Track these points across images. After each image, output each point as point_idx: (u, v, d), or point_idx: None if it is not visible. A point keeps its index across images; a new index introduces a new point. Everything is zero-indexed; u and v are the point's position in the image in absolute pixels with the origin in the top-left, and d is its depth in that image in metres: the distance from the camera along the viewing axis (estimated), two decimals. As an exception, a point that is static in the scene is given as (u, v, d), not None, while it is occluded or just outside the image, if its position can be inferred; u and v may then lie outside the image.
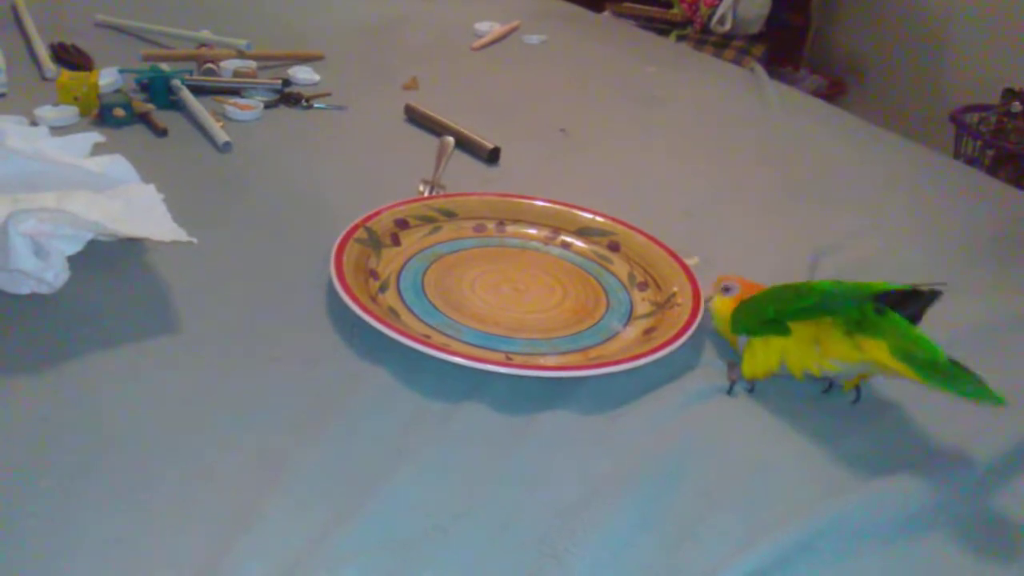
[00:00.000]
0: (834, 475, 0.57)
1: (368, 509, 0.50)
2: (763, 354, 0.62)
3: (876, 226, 0.91)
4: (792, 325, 0.61)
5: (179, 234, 0.67)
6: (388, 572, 0.47)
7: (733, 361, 0.65)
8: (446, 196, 0.84)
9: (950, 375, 0.53)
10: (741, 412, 0.62)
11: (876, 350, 0.56)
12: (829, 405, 0.63)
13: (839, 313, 0.58)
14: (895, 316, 0.56)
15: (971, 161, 2.00)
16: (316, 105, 1.07)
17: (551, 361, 0.65)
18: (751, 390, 0.63)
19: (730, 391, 0.63)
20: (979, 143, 2.04)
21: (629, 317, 0.72)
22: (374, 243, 0.75)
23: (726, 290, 0.67)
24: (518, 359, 0.64)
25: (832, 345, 0.59)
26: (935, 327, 0.73)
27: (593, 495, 0.53)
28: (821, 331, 0.59)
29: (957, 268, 0.85)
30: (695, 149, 1.08)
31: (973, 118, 2.08)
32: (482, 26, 1.43)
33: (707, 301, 0.69)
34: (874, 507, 0.53)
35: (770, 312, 0.61)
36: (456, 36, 1.39)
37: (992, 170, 1.92)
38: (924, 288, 0.58)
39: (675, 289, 0.73)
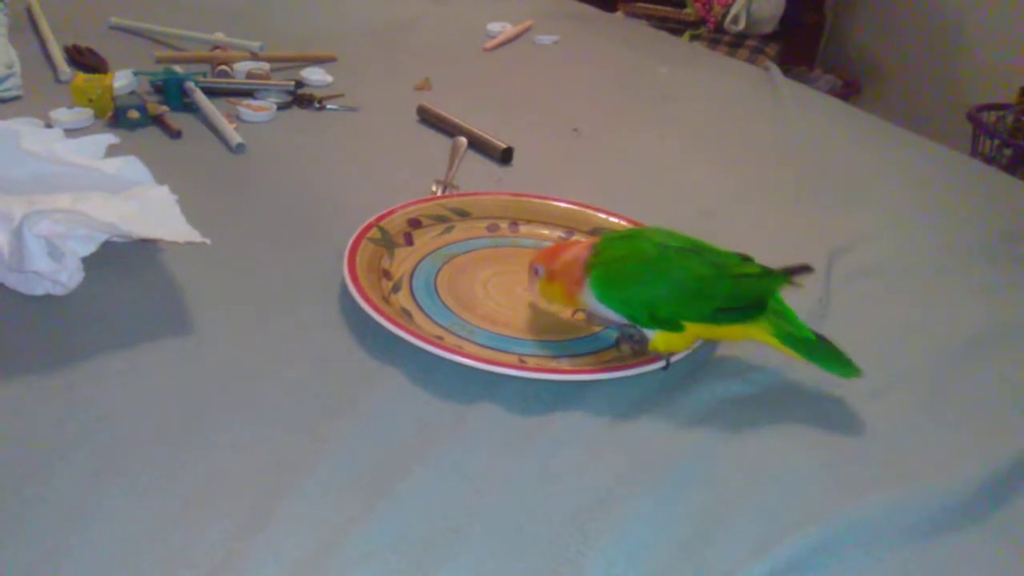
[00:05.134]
0: (852, 477, 0.56)
1: (382, 510, 0.50)
2: (678, 341, 0.62)
3: (892, 225, 0.91)
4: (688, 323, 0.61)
5: (193, 235, 0.67)
6: (402, 573, 0.47)
7: (626, 337, 0.66)
8: (459, 195, 0.84)
9: (819, 354, 0.60)
10: (756, 413, 0.61)
11: (761, 333, 0.61)
12: (847, 406, 0.62)
13: (744, 321, 0.61)
14: (779, 303, 0.62)
15: (988, 160, 1.98)
16: (329, 106, 1.07)
17: (565, 364, 0.64)
18: (666, 367, 0.63)
19: (666, 367, 0.63)
20: (996, 142, 2.02)
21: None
22: (387, 243, 0.75)
23: (536, 273, 0.65)
24: (532, 362, 0.63)
25: (721, 330, 0.62)
26: (950, 325, 0.73)
27: (608, 497, 0.52)
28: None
29: (974, 266, 0.84)
30: (709, 149, 1.07)
31: (990, 117, 2.06)
32: (494, 27, 1.43)
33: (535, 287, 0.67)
34: (893, 510, 0.53)
35: (663, 312, 0.60)
36: (468, 37, 1.39)
37: (1010, 169, 1.90)
38: (796, 267, 0.62)
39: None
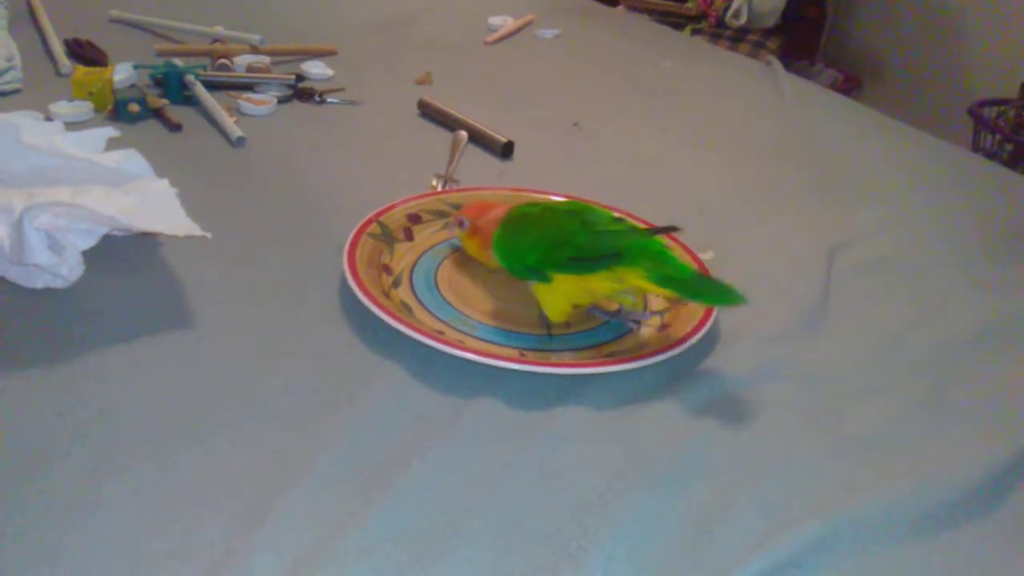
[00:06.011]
0: (852, 473, 0.56)
1: (381, 504, 0.50)
2: (556, 300, 0.66)
3: (894, 220, 0.90)
4: (553, 274, 0.64)
5: (193, 229, 0.67)
6: (401, 567, 0.47)
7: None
8: (459, 190, 0.84)
9: (699, 289, 0.62)
10: (757, 408, 0.61)
11: (635, 278, 0.62)
12: (846, 402, 0.62)
13: (596, 270, 0.63)
14: (662, 253, 0.63)
15: (990, 156, 1.97)
16: (329, 100, 1.07)
17: (565, 357, 0.64)
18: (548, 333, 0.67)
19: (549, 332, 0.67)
20: (997, 138, 2.01)
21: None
22: (387, 238, 0.75)
23: (460, 224, 0.71)
24: (531, 355, 0.63)
25: (595, 282, 0.64)
26: (951, 321, 0.73)
27: (608, 491, 0.52)
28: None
29: (976, 262, 0.84)
30: (710, 143, 1.07)
31: (991, 112, 2.05)
32: (496, 20, 1.42)
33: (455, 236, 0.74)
34: (893, 506, 0.53)
35: (530, 260, 0.65)
36: (470, 31, 1.39)
37: (1011, 165, 1.90)
38: (662, 227, 0.67)
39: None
